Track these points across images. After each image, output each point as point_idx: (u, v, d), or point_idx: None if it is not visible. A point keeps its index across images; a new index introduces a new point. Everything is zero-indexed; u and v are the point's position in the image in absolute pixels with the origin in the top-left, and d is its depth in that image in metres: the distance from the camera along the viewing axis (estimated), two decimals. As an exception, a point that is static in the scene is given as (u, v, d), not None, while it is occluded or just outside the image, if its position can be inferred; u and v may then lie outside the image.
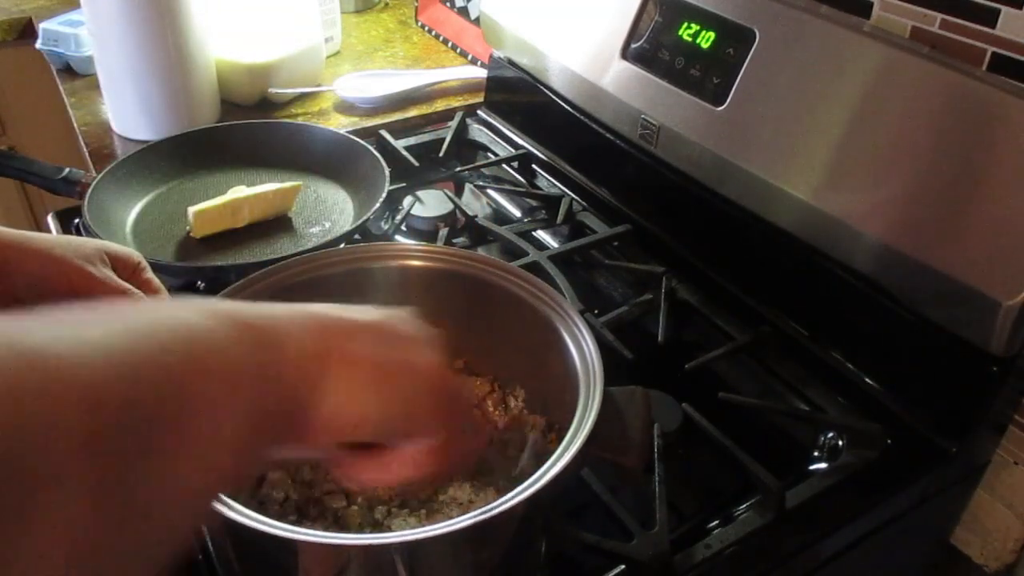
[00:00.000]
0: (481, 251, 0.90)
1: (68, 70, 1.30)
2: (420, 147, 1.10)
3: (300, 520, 0.56)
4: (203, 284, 0.85)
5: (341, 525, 0.56)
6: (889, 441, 0.70)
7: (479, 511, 0.45)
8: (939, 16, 0.73)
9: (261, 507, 0.55)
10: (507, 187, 1.07)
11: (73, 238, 0.59)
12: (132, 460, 0.28)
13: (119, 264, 0.63)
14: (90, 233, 0.85)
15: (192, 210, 0.88)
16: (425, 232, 0.96)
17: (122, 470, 0.27)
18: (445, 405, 0.42)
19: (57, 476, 0.24)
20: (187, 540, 0.32)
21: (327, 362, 0.37)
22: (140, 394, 0.28)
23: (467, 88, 1.27)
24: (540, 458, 0.56)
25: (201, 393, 0.31)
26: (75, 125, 1.18)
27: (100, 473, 0.26)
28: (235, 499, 0.46)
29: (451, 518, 0.46)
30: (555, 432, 0.62)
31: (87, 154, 1.11)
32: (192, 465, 0.31)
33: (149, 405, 0.28)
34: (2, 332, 0.26)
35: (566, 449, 0.49)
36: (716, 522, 0.64)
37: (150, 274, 0.66)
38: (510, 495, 0.46)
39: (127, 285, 0.62)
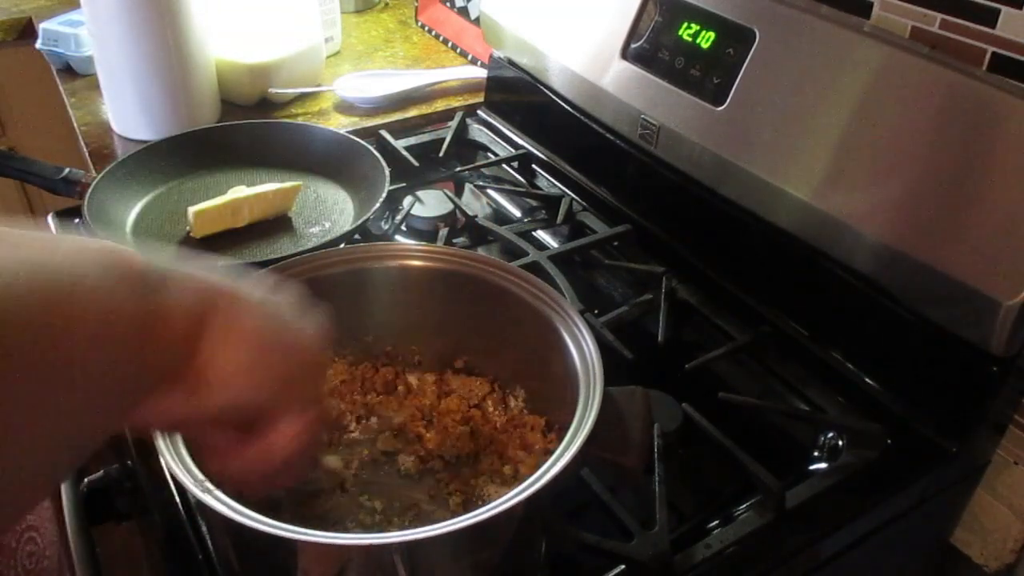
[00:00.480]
0: (481, 251, 0.90)
1: (68, 70, 1.30)
2: (420, 147, 1.10)
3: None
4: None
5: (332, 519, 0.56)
6: (889, 441, 0.70)
7: (478, 511, 0.45)
8: (939, 16, 0.73)
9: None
10: (507, 187, 1.07)
11: (74, 238, 0.60)
12: None
13: None
14: (90, 233, 0.85)
15: (192, 210, 0.88)
16: (425, 232, 0.96)
17: None
18: (316, 385, 0.44)
19: None
20: (44, 490, 0.32)
21: (211, 323, 0.37)
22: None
23: (467, 88, 1.27)
24: None
25: (72, 329, 0.30)
26: (75, 125, 1.17)
27: None
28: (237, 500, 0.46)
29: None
30: (555, 432, 0.62)
31: (87, 154, 1.11)
32: (52, 409, 0.30)
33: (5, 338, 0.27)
34: None
35: (566, 449, 0.49)
36: (716, 522, 0.64)
37: None
38: (510, 495, 0.46)
39: None
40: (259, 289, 0.41)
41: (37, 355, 0.28)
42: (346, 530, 0.55)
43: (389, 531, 0.54)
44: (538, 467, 0.48)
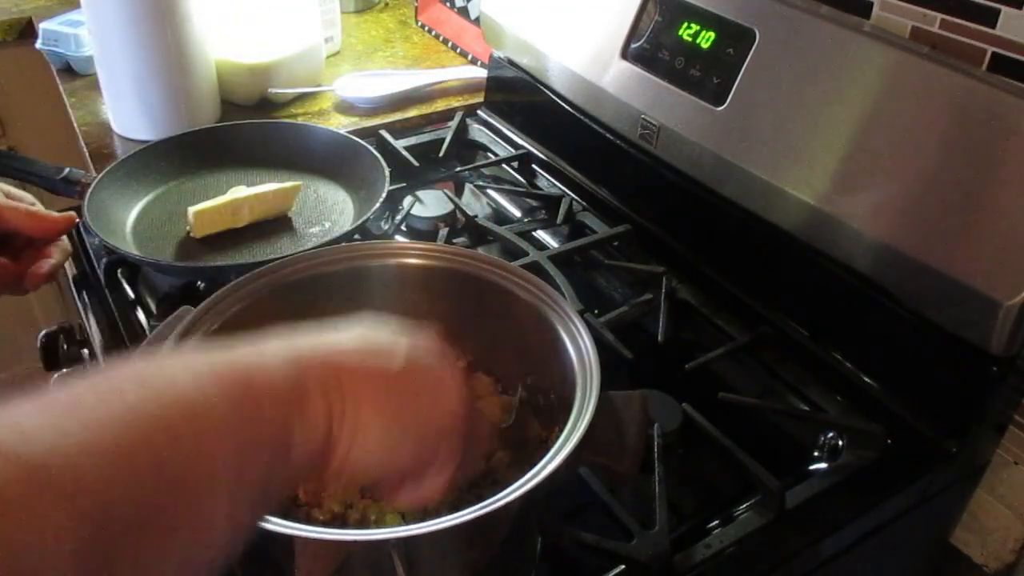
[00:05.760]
0: (481, 251, 0.90)
1: (68, 70, 1.30)
2: (420, 147, 1.10)
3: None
4: (203, 284, 0.85)
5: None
6: (889, 441, 0.69)
7: (474, 508, 0.45)
8: (939, 16, 0.73)
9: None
10: (507, 187, 1.07)
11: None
12: (125, 555, 0.27)
13: (15, 199, 0.69)
14: (90, 233, 0.85)
15: (192, 210, 0.88)
16: (425, 232, 0.96)
17: (116, 566, 0.27)
18: (458, 443, 0.43)
19: None
20: None
21: (342, 412, 0.37)
22: (130, 493, 0.27)
23: (467, 88, 1.27)
24: None
25: (210, 478, 0.30)
26: (75, 125, 1.17)
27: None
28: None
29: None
30: (554, 433, 0.62)
31: (87, 154, 1.11)
32: (202, 544, 0.30)
33: (149, 504, 0.28)
34: None
35: (560, 449, 0.48)
36: (716, 522, 0.64)
37: (39, 207, 0.71)
38: (504, 492, 0.46)
39: (24, 205, 0.69)
40: (386, 346, 0.41)
41: (181, 507, 0.29)
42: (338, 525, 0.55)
43: (381, 527, 0.54)
44: (534, 467, 0.48)
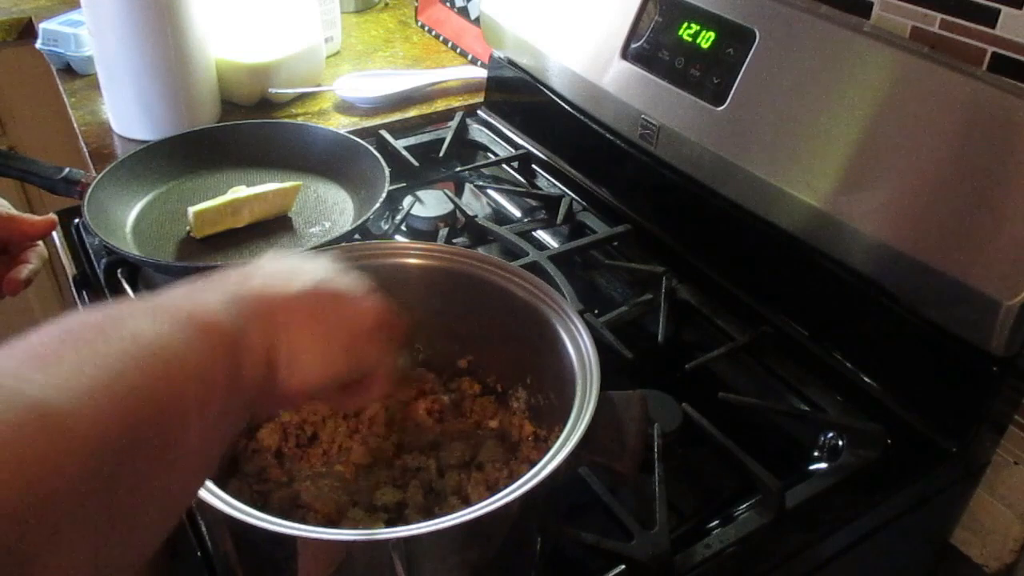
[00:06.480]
0: (481, 251, 0.90)
1: (68, 70, 1.30)
2: (420, 147, 1.10)
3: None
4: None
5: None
6: (889, 441, 0.69)
7: (474, 507, 0.45)
8: (939, 16, 0.73)
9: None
10: (507, 187, 1.07)
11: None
12: (129, 487, 0.32)
13: None
14: (90, 233, 0.85)
15: (192, 210, 0.88)
16: (425, 232, 0.96)
17: (121, 498, 0.31)
18: (385, 342, 0.50)
19: (59, 523, 0.28)
20: (176, 524, 0.37)
21: (280, 336, 0.43)
22: (127, 429, 0.32)
23: (467, 88, 1.27)
24: None
25: (183, 410, 0.35)
26: (75, 125, 1.17)
27: (101, 508, 0.30)
28: (235, 496, 0.46)
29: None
30: (554, 433, 0.62)
31: (87, 154, 1.11)
32: (181, 469, 0.36)
33: (137, 437, 0.32)
34: (3, 384, 0.30)
35: (560, 449, 0.48)
36: (716, 522, 0.64)
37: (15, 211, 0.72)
38: (504, 492, 0.46)
39: (2, 209, 0.70)
40: (298, 269, 0.46)
41: (161, 438, 0.34)
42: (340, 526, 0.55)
43: (380, 528, 0.54)
44: (533, 467, 0.48)
